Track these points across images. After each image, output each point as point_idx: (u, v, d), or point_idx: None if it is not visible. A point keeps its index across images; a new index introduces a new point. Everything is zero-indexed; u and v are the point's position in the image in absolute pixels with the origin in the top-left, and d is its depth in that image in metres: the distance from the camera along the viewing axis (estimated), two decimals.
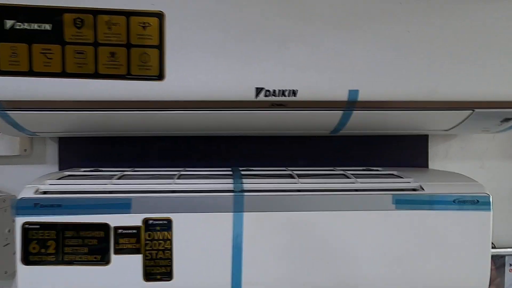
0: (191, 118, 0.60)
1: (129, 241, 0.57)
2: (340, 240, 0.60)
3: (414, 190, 0.63)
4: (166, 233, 0.57)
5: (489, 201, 0.62)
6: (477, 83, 0.61)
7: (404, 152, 0.83)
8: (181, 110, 0.58)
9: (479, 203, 0.61)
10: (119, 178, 0.64)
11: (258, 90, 0.57)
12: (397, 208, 0.60)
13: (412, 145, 0.83)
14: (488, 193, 0.62)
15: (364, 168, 0.77)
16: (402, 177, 0.66)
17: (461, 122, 0.67)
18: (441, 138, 0.86)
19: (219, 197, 0.59)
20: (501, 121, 0.67)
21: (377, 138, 0.82)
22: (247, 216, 0.58)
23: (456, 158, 0.87)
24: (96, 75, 0.54)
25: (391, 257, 0.61)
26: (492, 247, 0.87)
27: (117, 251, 0.57)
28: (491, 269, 0.88)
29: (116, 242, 0.57)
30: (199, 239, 0.58)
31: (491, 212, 0.62)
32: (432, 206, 0.61)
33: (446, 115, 0.64)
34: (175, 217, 0.57)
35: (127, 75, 0.54)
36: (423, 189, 0.62)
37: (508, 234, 0.87)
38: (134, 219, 0.57)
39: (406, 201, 0.61)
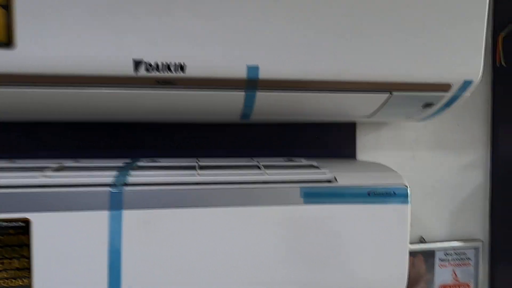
0: (54, 96, 0.50)
1: None
2: (242, 239, 0.52)
3: (328, 182, 0.56)
4: (22, 237, 0.47)
5: (406, 193, 0.56)
6: (394, 64, 0.55)
7: (331, 141, 0.77)
8: (37, 87, 0.47)
9: (395, 195, 0.55)
10: None
11: (137, 64, 0.47)
12: (305, 203, 0.53)
13: (339, 134, 0.77)
14: (406, 184, 0.57)
15: (285, 158, 0.70)
16: (317, 168, 0.59)
17: (380, 107, 0.61)
18: (370, 127, 0.80)
19: (92, 192, 0.49)
20: (423, 106, 0.62)
21: (302, 127, 0.75)
22: (127, 215, 0.49)
23: (387, 149, 0.81)
24: None
25: (299, 257, 0.53)
26: (422, 242, 0.84)
27: None
28: (421, 265, 0.84)
29: None
30: (66, 244, 0.48)
31: (409, 205, 0.56)
32: (344, 200, 0.54)
33: (361, 98, 0.58)
34: (34, 218, 0.47)
35: None
36: (336, 181, 0.56)
37: (438, 227, 0.84)
38: None
39: (315, 194, 0.53)
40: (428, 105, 0.61)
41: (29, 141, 0.67)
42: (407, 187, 0.56)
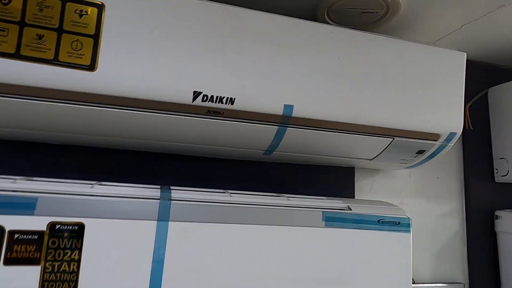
0: (122, 117, 0.56)
1: (26, 248, 0.48)
2: (269, 254, 0.57)
3: (345, 209, 0.64)
4: (75, 240, 0.50)
5: (409, 223, 0.65)
6: (398, 114, 0.67)
7: (332, 183, 0.86)
8: (111, 107, 0.54)
9: (400, 224, 0.64)
10: (26, 180, 0.55)
11: (196, 94, 0.56)
12: (326, 226, 0.60)
13: (339, 177, 0.87)
14: (408, 216, 0.66)
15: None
16: (333, 199, 0.68)
17: (383, 150, 0.72)
18: (367, 173, 0.91)
19: (143, 203, 0.53)
20: (416, 153, 0.74)
21: (307, 169, 0.85)
22: (173, 226, 0.54)
23: (379, 194, 0.92)
24: (16, 56, 0.49)
25: (319, 273, 0.59)
26: (413, 283, 0.91)
27: (8, 261, 0.47)
28: None
29: (8, 250, 0.47)
30: (114, 250, 0.51)
31: (411, 234, 0.64)
32: (358, 225, 0.62)
33: (369, 141, 0.69)
34: (88, 223, 0.50)
35: (54, 60, 0.50)
36: (350, 209, 0.64)
37: (426, 269, 0.91)
38: (37, 223, 0.49)
39: (335, 219, 0.61)
40: (420, 151, 0.73)
41: (60, 164, 0.70)
42: (408, 218, 0.65)
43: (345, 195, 0.87)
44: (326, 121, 0.63)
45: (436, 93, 0.69)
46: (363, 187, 0.90)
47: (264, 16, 0.61)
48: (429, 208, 0.95)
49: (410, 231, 0.64)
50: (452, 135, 0.70)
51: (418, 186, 0.95)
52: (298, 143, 0.68)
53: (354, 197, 0.87)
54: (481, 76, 1.03)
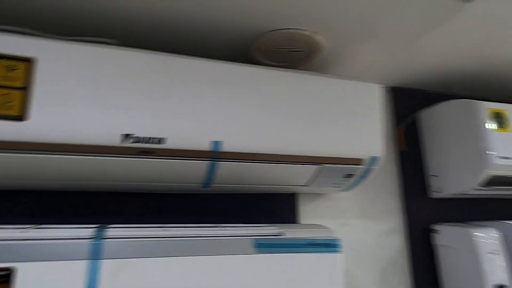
0: (55, 162, 0.59)
1: None
2: (203, 284, 0.60)
3: (276, 235, 0.68)
4: (5, 286, 0.51)
5: (338, 244, 0.69)
6: (324, 143, 0.74)
7: (276, 210, 0.90)
8: (44, 153, 0.57)
9: (329, 246, 0.69)
10: None
11: (124, 136, 0.60)
12: (257, 252, 0.64)
13: (282, 203, 0.91)
14: (337, 237, 0.71)
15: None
16: (267, 226, 0.72)
17: (316, 177, 0.77)
18: (310, 198, 0.96)
19: (74, 244, 0.56)
20: (345, 177, 0.80)
21: (251, 198, 0.89)
22: (106, 264, 0.56)
23: (324, 216, 0.96)
24: None
25: None
26: None
27: None
28: None
29: None
30: None
31: (341, 254, 0.69)
32: (289, 249, 0.66)
33: (300, 169, 0.74)
34: (19, 267, 0.52)
35: None
36: (281, 235, 0.68)
37: (372, 286, 0.96)
38: None
39: (266, 245, 0.65)
40: (349, 175, 0.79)
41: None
42: (338, 239, 0.70)
43: (289, 221, 0.91)
44: (255, 153, 0.69)
45: (357, 122, 0.76)
46: (308, 211, 0.95)
47: (189, 60, 0.67)
48: (372, 226, 1.00)
49: (339, 251, 0.69)
50: (373, 158, 0.77)
51: (360, 206, 1.01)
52: (232, 176, 0.72)
53: (297, 222, 0.92)
54: (412, 101, 1.13)
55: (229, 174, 0.72)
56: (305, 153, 0.72)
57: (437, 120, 1.06)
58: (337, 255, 0.69)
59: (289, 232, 0.69)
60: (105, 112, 0.60)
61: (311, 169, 0.75)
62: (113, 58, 0.63)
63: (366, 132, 0.76)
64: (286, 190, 0.86)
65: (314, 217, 0.96)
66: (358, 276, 0.95)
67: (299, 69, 0.79)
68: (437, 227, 1.01)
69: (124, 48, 0.64)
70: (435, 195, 1.04)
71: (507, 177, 0.95)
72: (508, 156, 0.92)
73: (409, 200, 1.04)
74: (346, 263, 0.96)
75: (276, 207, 0.91)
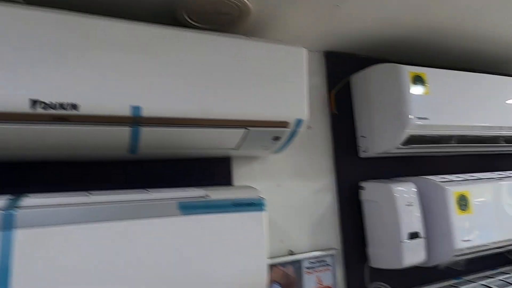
0: None
1: None
2: (129, 248, 0.61)
3: (201, 197, 0.70)
4: None
5: (262, 203, 0.73)
6: (249, 106, 0.75)
7: (210, 174, 0.92)
8: None
9: (254, 205, 0.72)
10: None
11: (33, 102, 0.57)
12: (182, 214, 0.66)
13: (217, 167, 0.93)
14: (261, 196, 0.74)
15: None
16: (194, 188, 0.74)
17: (243, 140, 0.79)
18: (245, 161, 0.99)
19: None
20: (273, 139, 0.83)
21: (184, 163, 0.90)
22: (20, 234, 0.55)
23: (258, 179, 1.00)
24: None
25: (178, 261, 0.65)
26: (291, 254, 1.02)
27: None
28: (291, 274, 1.01)
29: None
30: None
31: (265, 212, 0.73)
32: (214, 210, 0.69)
33: (226, 132, 0.76)
34: None
35: None
36: (206, 196, 0.70)
37: (303, 240, 1.03)
38: None
39: (190, 207, 0.67)
40: (276, 138, 0.82)
41: None
42: (262, 198, 0.74)
43: (223, 184, 0.93)
44: (177, 118, 0.69)
45: (282, 86, 0.78)
46: (242, 174, 0.98)
47: (105, 22, 0.64)
48: (305, 185, 1.06)
49: (262, 210, 0.73)
50: (299, 121, 0.80)
51: (294, 167, 1.05)
52: (158, 141, 0.72)
53: (232, 185, 0.95)
54: (345, 65, 1.16)
55: (155, 140, 0.72)
56: (231, 116, 0.73)
57: (366, 83, 1.11)
58: (261, 213, 0.73)
59: (214, 194, 0.72)
60: (11, 76, 0.56)
61: (238, 132, 0.77)
62: (19, 17, 0.58)
63: (291, 95, 0.79)
64: (217, 153, 0.88)
65: (248, 179, 0.99)
66: (291, 232, 1.02)
67: (229, 33, 0.78)
68: (363, 184, 1.09)
69: (32, 7, 0.60)
70: (363, 154, 1.11)
71: (424, 136, 1.03)
72: (425, 116, 0.99)
73: (339, 160, 1.10)
74: (280, 221, 1.01)
75: (211, 171, 0.93)
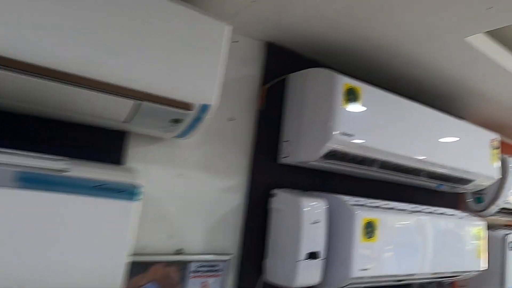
0: None
1: None
2: None
3: (57, 171, 0.57)
4: None
5: (137, 192, 0.61)
6: (147, 77, 0.62)
7: (98, 145, 0.78)
8: None
9: (124, 192, 0.60)
10: None
11: None
12: (19, 187, 0.52)
13: (105, 139, 0.79)
14: (138, 184, 0.62)
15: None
16: (47, 156, 0.59)
17: (134, 113, 0.67)
18: (144, 140, 0.85)
19: None
20: (172, 121, 0.71)
21: (77, 127, 0.74)
22: None
23: (156, 163, 0.87)
24: None
25: (3, 246, 0.51)
26: (178, 253, 0.91)
27: None
28: (174, 275, 0.90)
29: None
30: None
31: (137, 203, 0.61)
32: (66, 189, 0.55)
33: (112, 101, 0.62)
34: None
35: None
36: (66, 171, 0.57)
37: (197, 240, 0.92)
38: None
39: (33, 180, 0.53)
40: (176, 120, 0.70)
41: None
42: (138, 186, 0.62)
43: (112, 161, 0.80)
44: (48, 68, 0.54)
45: (191, 62, 0.66)
46: (138, 154, 0.85)
47: None
48: (212, 181, 0.95)
49: (134, 199, 0.61)
50: (205, 106, 0.69)
51: (203, 159, 0.94)
52: (17, 90, 0.57)
53: (119, 164, 0.81)
54: (284, 62, 1.07)
55: (15, 88, 0.56)
56: (120, 82, 0.60)
57: (301, 86, 1.02)
58: (132, 203, 0.61)
59: (78, 170, 0.58)
60: None
61: (127, 103, 0.64)
62: None
63: (200, 76, 0.67)
64: (106, 124, 0.74)
65: (144, 162, 0.86)
66: (185, 229, 0.91)
67: None
68: (275, 191, 1.00)
69: None
70: (283, 160, 1.03)
71: (347, 153, 0.97)
72: (351, 133, 0.93)
73: (257, 161, 1.01)
74: (174, 215, 0.90)
75: (100, 143, 0.78)
